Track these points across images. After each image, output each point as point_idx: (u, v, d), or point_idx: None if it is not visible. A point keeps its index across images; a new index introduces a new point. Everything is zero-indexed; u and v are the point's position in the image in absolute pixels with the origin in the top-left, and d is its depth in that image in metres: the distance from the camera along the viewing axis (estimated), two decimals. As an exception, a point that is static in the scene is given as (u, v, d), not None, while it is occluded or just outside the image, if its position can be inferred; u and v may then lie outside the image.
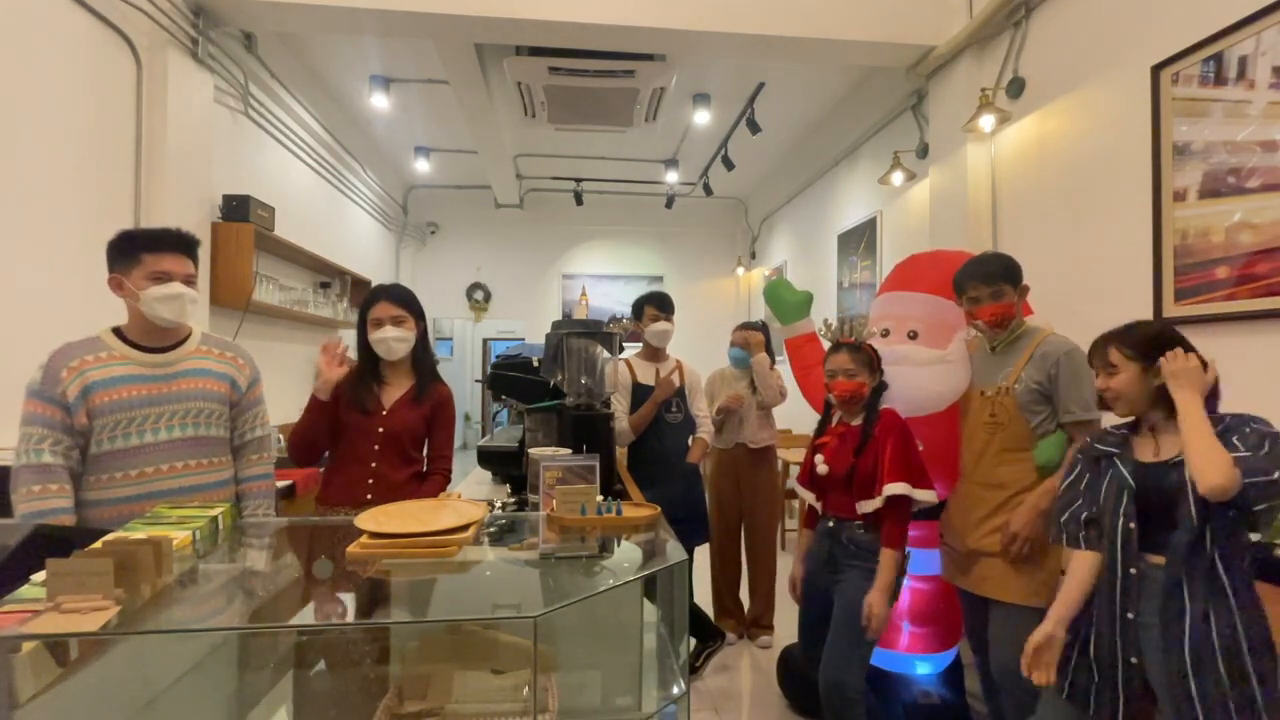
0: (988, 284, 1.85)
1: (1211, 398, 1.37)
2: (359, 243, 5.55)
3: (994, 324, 1.87)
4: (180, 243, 1.60)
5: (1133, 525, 1.35)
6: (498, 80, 4.15)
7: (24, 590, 0.94)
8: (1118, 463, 1.42)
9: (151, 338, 1.60)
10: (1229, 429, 1.28)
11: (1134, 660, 1.34)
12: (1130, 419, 1.48)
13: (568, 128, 4.79)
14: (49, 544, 1.17)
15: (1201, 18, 1.98)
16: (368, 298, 1.97)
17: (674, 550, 1.27)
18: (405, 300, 1.96)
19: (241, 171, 3.55)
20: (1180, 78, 2.06)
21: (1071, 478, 1.52)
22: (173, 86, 2.80)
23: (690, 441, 2.84)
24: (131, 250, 1.54)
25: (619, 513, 1.44)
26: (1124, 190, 2.26)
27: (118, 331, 1.60)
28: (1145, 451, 1.41)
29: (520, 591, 1.23)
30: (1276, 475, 1.19)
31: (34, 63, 2.24)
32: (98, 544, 1.04)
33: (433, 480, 2.01)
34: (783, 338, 2.68)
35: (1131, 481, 1.38)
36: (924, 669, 2.31)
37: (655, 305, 2.83)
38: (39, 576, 0.94)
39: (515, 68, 3.82)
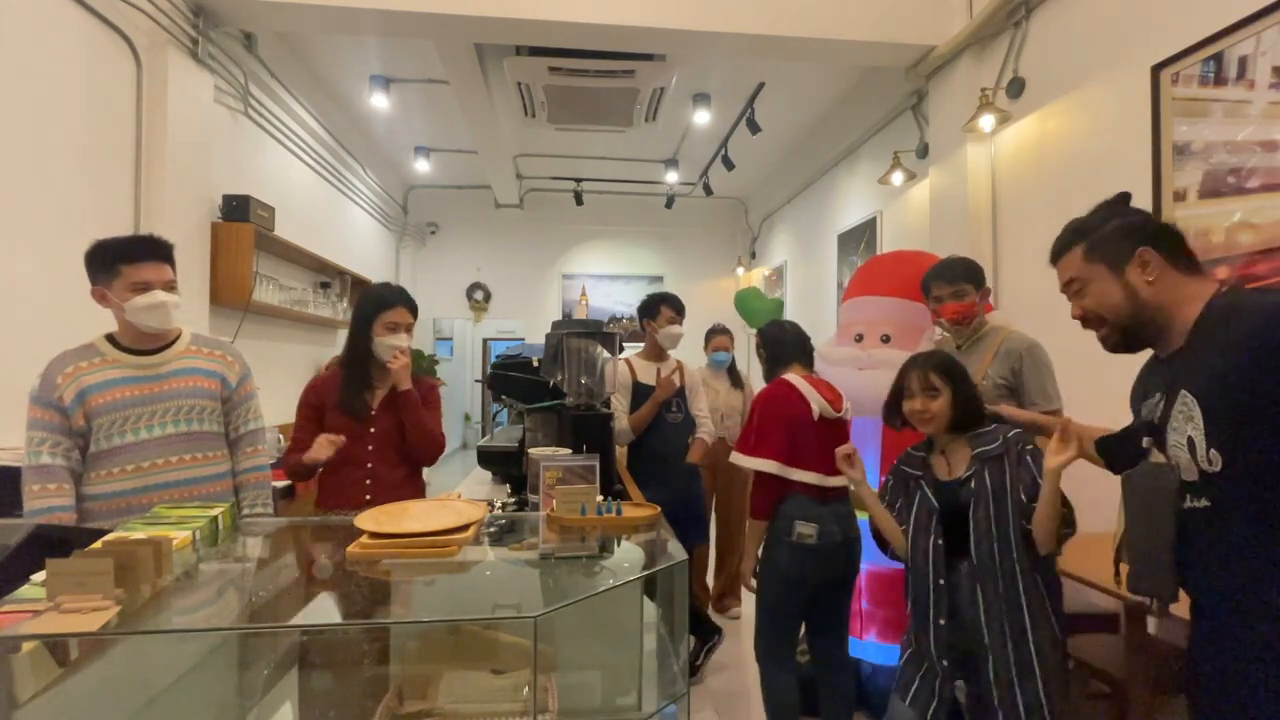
0: (950, 284, 1.97)
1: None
2: (359, 243, 5.55)
3: (955, 321, 1.99)
4: (155, 250, 1.63)
5: (940, 542, 1.51)
6: (498, 80, 4.15)
7: (24, 590, 0.94)
8: (924, 485, 1.57)
9: (141, 341, 1.66)
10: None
11: (945, 663, 1.48)
12: (926, 440, 1.63)
13: (568, 128, 4.80)
14: (49, 544, 1.17)
15: (1201, 18, 1.98)
16: (379, 300, 1.93)
17: (674, 550, 1.27)
18: (415, 307, 2.00)
19: (241, 171, 3.55)
20: (1180, 78, 2.06)
21: (889, 498, 1.67)
22: (173, 86, 2.81)
23: (690, 441, 2.84)
24: (108, 263, 1.58)
25: (619, 513, 1.44)
26: (1124, 190, 2.26)
27: (110, 337, 1.66)
28: (942, 470, 1.57)
29: (520, 591, 1.23)
30: None
31: (34, 63, 2.24)
32: (98, 544, 1.04)
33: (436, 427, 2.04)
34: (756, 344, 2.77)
35: (936, 503, 1.53)
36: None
37: (673, 307, 2.81)
38: (39, 576, 0.94)
39: (515, 68, 3.82)
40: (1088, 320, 1.20)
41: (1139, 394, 1.21)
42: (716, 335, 3.46)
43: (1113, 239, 1.16)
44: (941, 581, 1.49)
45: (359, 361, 1.92)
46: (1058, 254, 1.25)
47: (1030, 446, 1.48)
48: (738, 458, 1.99)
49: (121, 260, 1.58)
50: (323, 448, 1.79)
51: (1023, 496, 1.43)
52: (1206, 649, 1.09)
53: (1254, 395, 0.94)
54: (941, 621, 1.49)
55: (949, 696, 1.48)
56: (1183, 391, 1.03)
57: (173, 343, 1.71)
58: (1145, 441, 1.14)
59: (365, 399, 1.93)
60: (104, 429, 1.56)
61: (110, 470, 1.57)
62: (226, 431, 1.79)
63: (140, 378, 1.62)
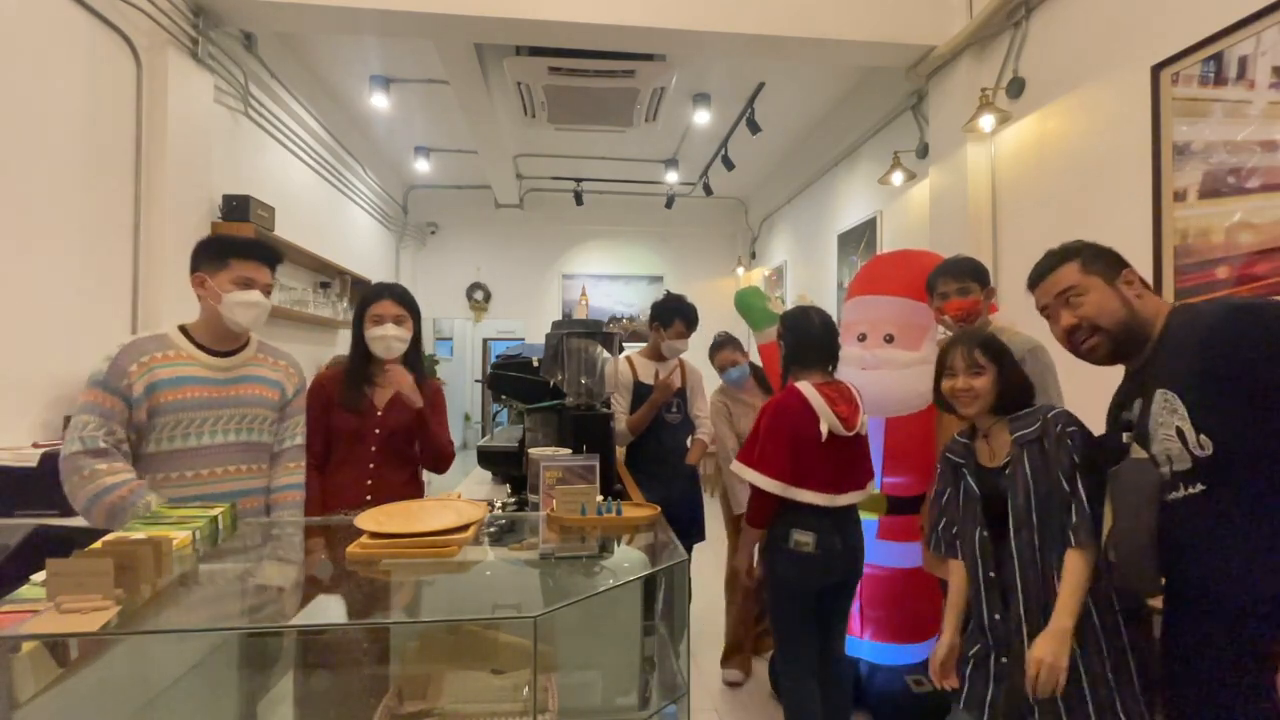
0: (956, 280, 1.96)
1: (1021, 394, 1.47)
2: (359, 243, 5.55)
3: (959, 319, 1.96)
4: (268, 253, 1.66)
5: (985, 533, 1.44)
6: (498, 80, 4.15)
7: (24, 590, 0.94)
8: (966, 474, 1.50)
9: (217, 341, 1.62)
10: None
11: (1004, 660, 1.41)
12: (970, 426, 1.55)
13: (568, 128, 4.79)
14: (49, 544, 1.17)
15: (1201, 18, 1.98)
16: (369, 294, 1.95)
17: (674, 550, 1.27)
18: (407, 300, 1.97)
19: (241, 171, 3.55)
20: (1180, 78, 2.06)
21: (939, 487, 1.58)
22: (173, 86, 2.80)
23: (689, 442, 2.83)
24: (222, 254, 1.58)
25: (619, 513, 1.44)
26: (1124, 190, 2.26)
27: (184, 330, 1.62)
28: (985, 456, 1.49)
29: (520, 591, 1.23)
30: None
31: (34, 63, 2.24)
32: (98, 544, 1.04)
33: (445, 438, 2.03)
34: (757, 343, 2.73)
35: (978, 491, 1.47)
36: (911, 657, 2.37)
37: (686, 324, 2.76)
38: (39, 576, 0.94)
39: (515, 68, 3.82)
40: (1079, 329, 1.27)
41: (1117, 405, 1.30)
42: (722, 349, 2.83)
43: (1103, 258, 1.28)
44: (992, 574, 1.42)
45: (358, 359, 1.95)
46: (1050, 270, 1.33)
47: (1072, 427, 1.36)
48: (739, 468, 1.92)
49: (234, 254, 1.59)
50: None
51: (1064, 485, 1.33)
52: (1187, 639, 1.15)
53: (1232, 383, 1.06)
54: (996, 616, 1.41)
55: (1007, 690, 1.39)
56: (1160, 391, 1.14)
57: (243, 347, 1.67)
58: (1125, 437, 1.23)
59: (367, 396, 1.92)
60: (167, 429, 1.50)
61: (168, 475, 1.50)
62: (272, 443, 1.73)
63: (211, 379, 1.58)
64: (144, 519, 1.26)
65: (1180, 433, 1.11)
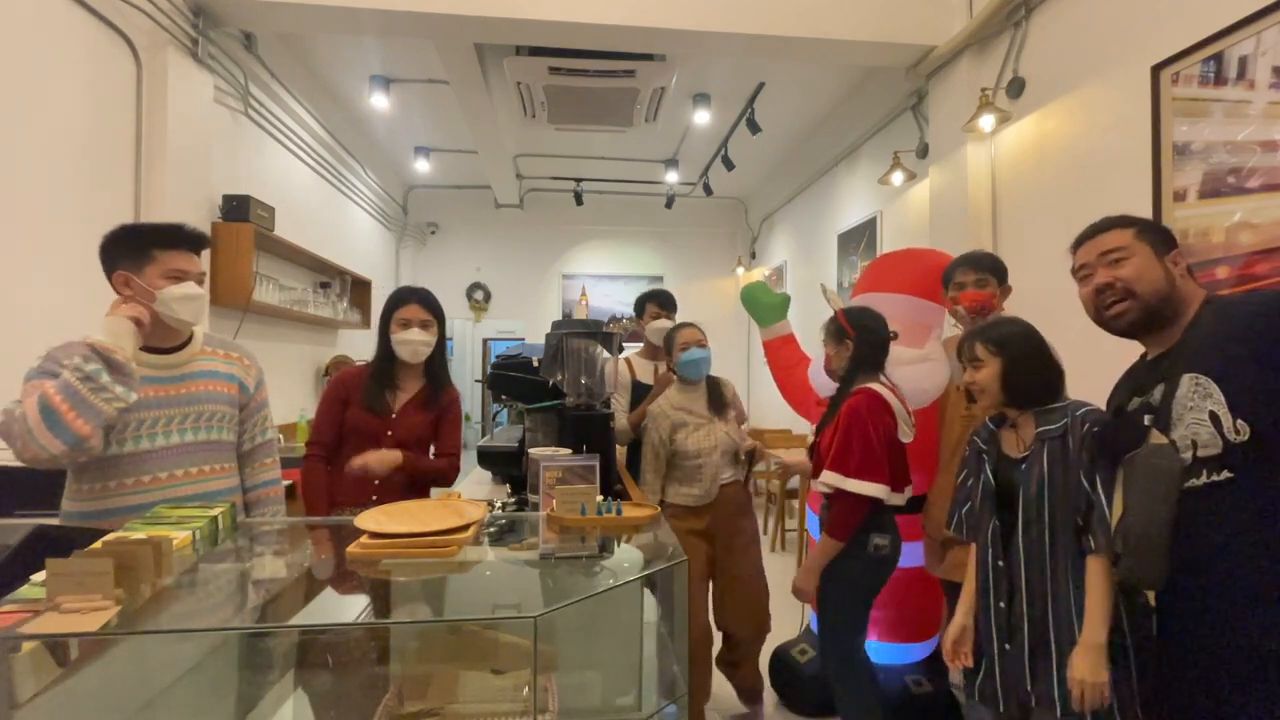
0: (976, 271, 1.95)
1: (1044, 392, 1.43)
2: (359, 243, 5.55)
3: (974, 310, 1.94)
4: (192, 240, 1.54)
5: (997, 521, 1.44)
6: (498, 80, 4.15)
7: (24, 590, 0.94)
8: (987, 461, 1.49)
9: (157, 339, 1.52)
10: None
11: (1007, 646, 1.41)
12: (999, 414, 1.52)
13: (568, 128, 4.79)
14: (49, 544, 1.17)
15: (1201, 18, 1.98)
16: (396, 298, 1.96)
17: (674, 550, 1.27)
18: (433, 305, 1.98)
19: (241, 171, 3.55)
20: (1180, 78, 2.06)
21: (964, 471, 1.58)
22: (173, 86, 2.80)
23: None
24: (143, 246, 1.47)
25: (619, 513, 1.44)
26: (1124, 190, 2.26)
27: None
28: (1011, 445, 1.48)
29: (520, 591, 1.23)
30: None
31: (34, 63, 2.24)
32: (98, 544, 1.04)
33: (442, 461, 2.02)
34: (762, 340, 2.73)
35: (993, 481, 1.47)
36: (910, 657, 2.37)
37: (657, 303, 2.81)
38: (39, 576, 0.94)
39: (515, 68, 3.82)
40: (1111, 289, 1.24)
41: (1126, 391, 1.28)
42: (683, 329, 2.34)
43: (1158, 232, 1.27)
44: (1001, 563, 1.42)
45: (384, 361, 1.96)
46: (1101, 230, 1.31)
47: (1098, 428, 1.30)
48: (835, 478, 1.81)
49: (156, 245, 1.47)
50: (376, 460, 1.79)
51: (1084, 484, 1.29)
52: (1189, 632, 1.14)
53: (1272, 370, 1.04)
54: (1001, 605, 1.41)
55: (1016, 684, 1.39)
56: (1190, 375, 1.12)
57: (188, 342, 1.58)
58: (1146, 419, 1.19)
59: (387, 399, 1.94)
60: (115, 431, 1.41)
61: (122, 481, 1.43)
62: (240, 441, 1.67)
63: (160, 378, 1.49)
64: (144, 519, 1.26)
65: (1214, 416, 1.08)
